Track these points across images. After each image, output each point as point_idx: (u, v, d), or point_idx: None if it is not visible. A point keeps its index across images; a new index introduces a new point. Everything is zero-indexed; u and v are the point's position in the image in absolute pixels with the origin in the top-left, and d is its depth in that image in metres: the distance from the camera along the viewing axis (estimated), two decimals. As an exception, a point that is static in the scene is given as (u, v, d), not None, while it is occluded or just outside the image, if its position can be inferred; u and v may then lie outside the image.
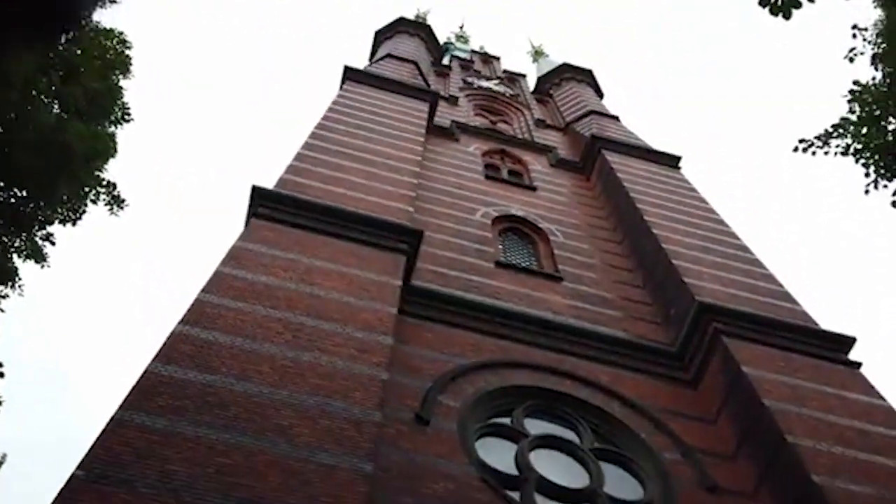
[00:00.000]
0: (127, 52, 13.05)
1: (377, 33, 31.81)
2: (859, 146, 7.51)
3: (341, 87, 20.26)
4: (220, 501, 6.21)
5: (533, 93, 31.38)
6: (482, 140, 21.95)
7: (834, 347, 12.04)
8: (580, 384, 11.07)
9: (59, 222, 11.99)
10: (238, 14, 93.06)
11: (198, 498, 6.17)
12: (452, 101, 25.61)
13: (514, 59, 57.34)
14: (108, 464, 6.22)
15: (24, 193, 10.99)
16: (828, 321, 12.83)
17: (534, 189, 19.05)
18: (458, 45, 41.13)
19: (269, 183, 12.22)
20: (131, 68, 13.10)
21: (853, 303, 62.20)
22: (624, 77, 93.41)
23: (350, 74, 21.01)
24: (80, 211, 12.15)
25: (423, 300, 11.71)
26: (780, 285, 14.18)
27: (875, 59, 7.27)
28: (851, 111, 7.64)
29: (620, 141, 21.97)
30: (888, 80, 7.25)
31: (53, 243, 12.32)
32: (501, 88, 30.07)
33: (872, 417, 10.39)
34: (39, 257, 11.99)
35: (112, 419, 6.69)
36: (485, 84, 30.06)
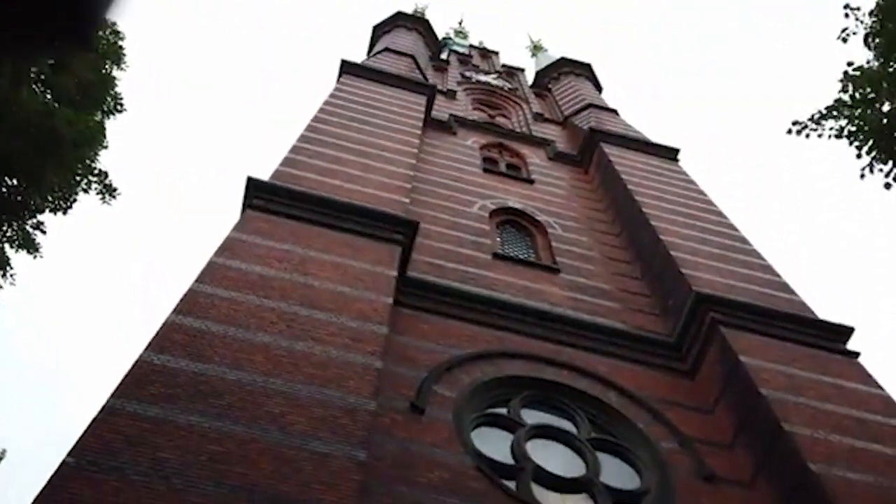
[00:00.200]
0: (120, 42, 13.00)
1: (375, 28, 31.74)
2: (853, 128, 7.45)
3: (338, 81, 20.21)
4: (212, 488, 6.18)
5: (531, 87, 31.33)
6: (480, 133, 21.91)
7: (831, 337, 12.01)
8: (577, 374, 11.05)
9: (50, 210, 11.94)
10: (237, 10, 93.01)
11: (189, 485, 6.14)
12: (450, 95, 25.55)
13: (514, 55, 57.44)
14: (99, 451, 6.19)
15: (14, 182, 10.94)
16: (828, 313, 12.80)
17: (532, 182, 19.01)
18: (457, 40, 41.01)
19: (265, 176, 12.20)
20: (124, 59, 13.06)
21: (853, 294, 62.25)
22: (623, 75, 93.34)
23: (347, 68, 20.96)
24: (71, 199, 12.10)
25: (420, 291, 11.68)
26: (778, 276, 14.15)
27: (868, 39, 7.19)
28: (844, 90, 7.58)
29: (619, 134, 21.93)
30: (881, 60, 7.18)
31: (44, 232, 12.30)
32: (500, 83, 30.01)
33: (870, 406, 10.36)
34: (31, 247, 11.94)
35: (103, 407, 6.66)
36: (483, 78, 30.00)
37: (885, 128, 7.07)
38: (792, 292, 13.52)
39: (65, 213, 11.94)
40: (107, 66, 12.62)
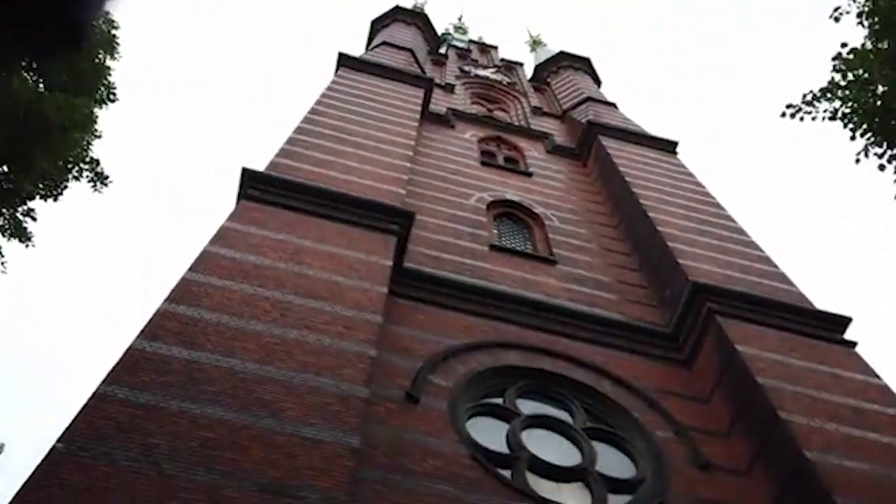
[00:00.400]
0: (114, 32, 12.94)
1: (373, 23, 31.67)
2: (847, 110, 7.39)
3: (336, 75, 20.16)
4: (203, 474, 6.16)
5: (530, 81, 31.25)
6: (478, 127, 21.88)
7: (829, 327, 11.98)
8: (573, 365, 11.02)
9: (41, 197, 11.90)
10: (235, 3, 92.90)
11: (180, 470, 6.12)
12: (449, 89, 25.50)
13: (513, 51, 57.20)
14: (89, 437, 6.17)
15: (5, 168, 10.90)
16: (828, 304, 12.75)
17: (529, 175, 18.97)
18: (457, 36, 40.89)
19: (261, 168, 12.15)
20: (118, 48, 13.00)
21: (853, 285, 62.25)
22: (622, 70, 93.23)
23: (344, 61, 20.92)
24: (62, 185, 12.05)
25: (416, 282, 11.66)
26: (776, 266, 14.12)
27: (861, 17, 7.13)
28: (836, 69, 7.51)
29: (617, 127, 21.88)
30: (874, 38, 7.13)
31: (35, 219, 12.22)
32: (498, 77, 29.95)
33: (867, 395, 10.32)
34: (23, 235, 11.91)
35: (94, 394, 6.64)
36: (482, 72, 29.94)
37: (879, 109, 7.02)
38: (790, 283, 13.48)
39: (55, 199, 11.89)
40: (100, 56, 12.57)
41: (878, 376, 10.89)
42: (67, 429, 6.19)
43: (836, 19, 7.54)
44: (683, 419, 10.29)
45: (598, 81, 31.22)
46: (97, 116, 12.34)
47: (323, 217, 11.21)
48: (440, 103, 22.64)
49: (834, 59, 7.48)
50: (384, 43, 25.87)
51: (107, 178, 12.79)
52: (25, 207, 11.71)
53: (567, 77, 30.08)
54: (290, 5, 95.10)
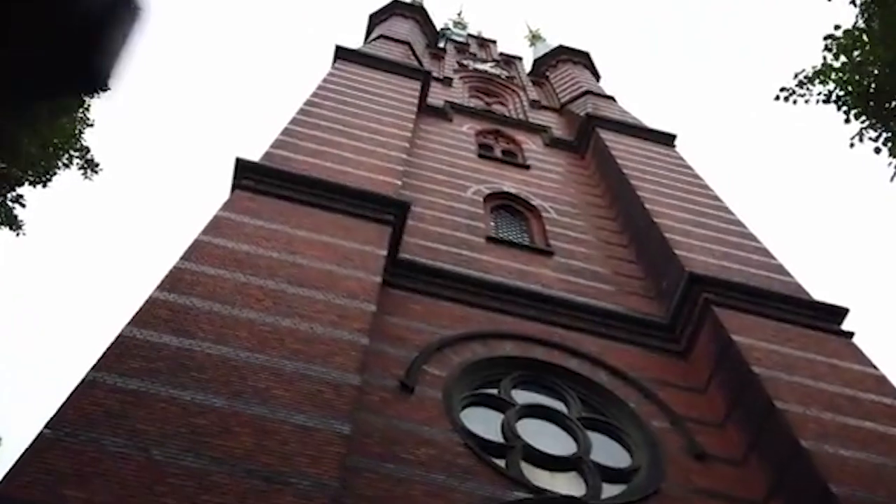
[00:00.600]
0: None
1: (371, 17, 31.52)
2: (841, 92, 7.33)
3: (332, 67, 20.09)
4: (192, 459, 6.12)
5: (529, 75, 31.14)
6: (476, 120, 21.80)
7: (826, 318, 11.93)
8: (569, 355, 10.98)
9: (30, 184, 11.83)
10: (233, 3, 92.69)
11: (169, 456, 6.08)
12: (447, 82, 25.41)
13: (513, 46, 57.10)
14: (78, 423, 6.13)
15: None
16: (829, 296, 12.72)
17: (527, 167, 18.91)
18: (456, 31, 40.79)
19: (256, 159, 12.09)
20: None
21: (854, 277, 62.22)
22: (622, 65, 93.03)
23: (341, 54, 20.85)
24: (51, 172, 11.96)
25: (411, 273, 11.62)
26: (774, 258, 14.07)
27: None
28: (828, 48, 7.43)
29: (615, 119, 21.82)
30: (866, 17, 7.05)
31: (24, 205, 12.16)
32: (497, 71, 29.83)
33: (864, 385, 10.28)
34: (13, 223, 11.84)
35: (83, 380, 6.59)
36: (480, 66, 29.83)
37: (872, 93, 6.95)
38: (787, 274, 13.43)
39: (44, 185, 11.81)
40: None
41: (874, 366, 10.84)
42: (55, 415, 6.15)
43: (829, -1, 7.49)
44: (679, 409, 10.25)
45: (597, 75, 31.11)
46: (88, 103, 12.26)
47: (317, 207, 11.16)
48: (438, 97, 22.56)
49: (826, 38, 7.42)
50: (382, 36, 25.78)
51: (97, 165, 12.73)
52: (14, 194, 11.68)
53: (566, 71, 29.98)
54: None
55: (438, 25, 35.72)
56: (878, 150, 7.47)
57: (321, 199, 11.37)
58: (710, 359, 11.06)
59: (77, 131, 12.15)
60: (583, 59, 31.49)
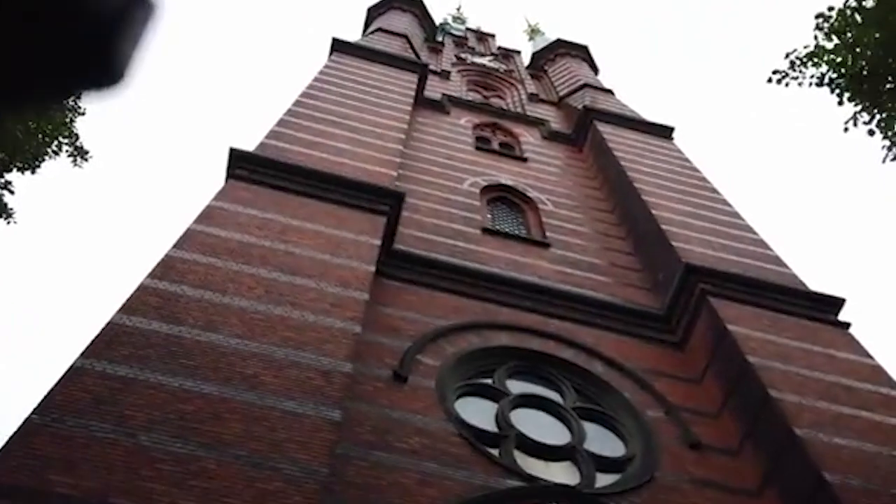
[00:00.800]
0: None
1: (369, 10, 31.46)
2: (834, 75, 7.28)
3: (329, 59, 20.03)
4: (180, 445, 6.08)
5: (528, 69, 31.09)
6: (474, 113, 21.75)
7: (822, 308, 11.90)
8: (564, 345, 10.94)
9: (18, 170, 11.75)
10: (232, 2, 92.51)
11: (156, 442, 6.04)
12: (444, 75, 25.37)
13: (512, 41, 56.98)
14: (65, 409, 6.09)
15: None
16: (831, 287, 12.67)
17: (525, 160, 18.87)
18: (455, 25, 40.67)
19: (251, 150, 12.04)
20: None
21: (853, 268, 62.16)
22: (621, 60, 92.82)
23: (338, 46, 20.77)
24: (40, 158, 11.87)
25: (406, 264, 11.57)
26: (770, 249, 14.03)
27: None
28: (819, 28, 7.36)
29: (613, 112, 21.77)
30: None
31: (12, 192, 12.04)
32: (495, 64, 29.78)
33: (859, 375, 10.24)
34: (3, 211, 11.74)
35: (72, 367, 6.55)
36: (478, 60, 29.77)
37: (865, 76, 6.88)
38: (783, 265, 13.40)
39: (33, 171, 11.73)
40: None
41: (870, 356, 10.80)
42: (43, 401, 6.11)
43: (822, -19, 7.41)
44: (674, 399, 10.21)
45: (595, 69, 31.05)
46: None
47: (312, 197, 11.11)
48: (436, 90, 22.51)
49: (817, 16, 7.35)
50: (379, 29, 25.70)
51: (87, 152, 12.63)
52: (3, 180, 11.60)
53: (564, 64, 29.92)
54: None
55: (437, 20, 35.63)
56: (871, 133, 7.41)
57: (316, 189, 11.32)
58: (706, 349, 11.02)
59: (68, 119, 12.08)
60: (581, 53, 31.44)
